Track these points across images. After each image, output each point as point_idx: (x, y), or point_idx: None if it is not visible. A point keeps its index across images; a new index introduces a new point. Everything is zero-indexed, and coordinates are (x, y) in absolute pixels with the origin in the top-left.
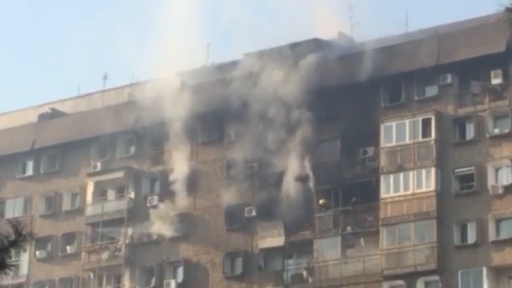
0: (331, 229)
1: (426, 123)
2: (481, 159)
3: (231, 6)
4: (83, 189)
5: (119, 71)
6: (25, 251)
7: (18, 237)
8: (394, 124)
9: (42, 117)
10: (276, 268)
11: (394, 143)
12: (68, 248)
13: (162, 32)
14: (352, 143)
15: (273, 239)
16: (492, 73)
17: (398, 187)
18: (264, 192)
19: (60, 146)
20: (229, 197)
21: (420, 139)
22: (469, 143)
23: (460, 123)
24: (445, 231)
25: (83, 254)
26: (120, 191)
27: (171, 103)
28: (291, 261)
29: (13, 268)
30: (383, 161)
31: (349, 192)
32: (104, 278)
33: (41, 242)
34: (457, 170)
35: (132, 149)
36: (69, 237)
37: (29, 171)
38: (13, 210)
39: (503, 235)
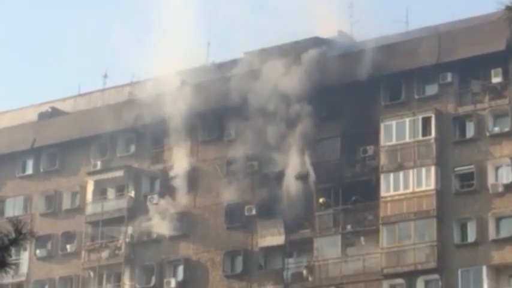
0: (331, 228)
1: (426, 121)
2: (481, 157)
3: (231, 5)
4: (83, 188)
5: (119, 69)
6: (25, 249)
7: (19, 236)
8: (394, 123)
9: (42, 116)
10: (276, 267)
11: (394, 142)
12: (68, 246)
13: (162, 30)
14: (352, 142)
15: (273, 237)
16: (492, 72)
17: (399, 186)
18: (264, 190)
19: (60, 144)
20: (229, 195)
21: (420, 138)
22: (469, 141)
23: (460, 121)
24: (445, 229)
25: (83, 252)
26: (120, 190)
27: (171, 102)
28: (291, 260)
29: (13, 267)
30: (383, 159)
31: (349, 191)
32: (104, 276)
33: (41, 241)
34: (457, 169)
35: (132, 148)
36: (69, 236)
37: (29, 170)
38: (13, 208)
39: (503, 234)
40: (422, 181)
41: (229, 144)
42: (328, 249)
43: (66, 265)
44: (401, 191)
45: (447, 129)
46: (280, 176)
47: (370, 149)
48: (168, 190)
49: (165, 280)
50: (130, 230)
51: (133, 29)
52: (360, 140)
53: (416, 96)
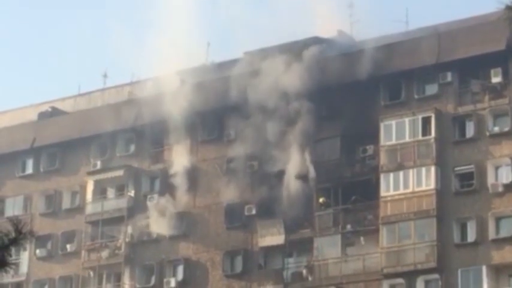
0: (331, 227)
1: (426, 121)
2: (480, 157)
3: (231, 5)
4: (83, 188)
5: (119, 69)
6: (25, 249)
7: (19, 236)
8: (394, 122)
9: (42, 115)
10: (276, 266)
11: (394, 142)
12: (67, 246)
13: (162, 30)
14: (352, 142)
15: (273, 237)
16: (492, 71)
17: (398, 185)
18: (263, 190)
19: (60, 144)
20: (229, 195)
21: (420, 137)
22: (469, 141)
23: (460, 121)
24: (445, 229)
25: (83, 252)
26: (120, 190)
27: (171, 101)
28: (291, 260)
29: (13, 266)
30: (383, 159)
31: (349, 191)
32: (104, 276)
33: (41, 241)
34: (456, 169)
35: (132, 148)
36: (69, 236)
37: (29, 170)
38: (13, 208)
39: (503, 233)
40: (422, 181)
41: (229, 144)
42: (328, 249)
43: (66, 265)
44: (401, 190)
45: (447, 129)
46: (280, 175)
47: (370, 149)
48: (167, 189)
49: (164, 280)
50: (130, 229)
51: (133, 29)
52: (360, 140)
53: (416, 96)
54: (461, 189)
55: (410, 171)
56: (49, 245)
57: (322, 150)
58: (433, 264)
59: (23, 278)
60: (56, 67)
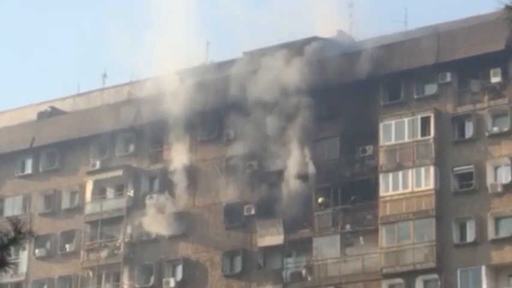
0: (330, 227)
1: (425, 121)
2: (480, 157)
3: (230, 5)
4: (82, 188)
5: (118, 69)
6: (24, 249)
7: (18, 235)
8: (393, 122)
9: (42, 115)
10: (275, 266)
11: (393, 142)
12: (67, 246)
13: (161, 30)
14: (351, 142)
15: (272, 237)
16: (491, 71)
17: (398, 185)
18: (263, 190)
19: (59, 144)
20: (228, 195)
21: (419, 137)
22: (468, 141)
23: (459, 121)
24: (444, 229)
25: (82, 252)
26: (119, 189)
27: (170, 101)
28: (290, 260)
29: (12, 266)
30: (382, 159)
31: (348, 191)
32: (103, 276)
33: (40, 240)
34: (456, 169)
35: (131, 147)
36: (68, 236)
37: (28, 170)
38: (12, 208)
39: (503, 233)
40: (421, 181)
41: (229, 144)
42: (327, 249)
43: (65, 265)
44: (401, 190)
45: (446, 129)
46: (279, 175)
47: (369, 149)
48: (167, 189)
49: (164, 280)
50: (129, 229)
51: (132, 29)
52: (359, 140)
53: (415, 96)
54: (460, 189)
55: (410, 171)
56: (48, 245)
57: (321, 150)
58: (432, 264)
59: (22, 278)
60: (56, 67)
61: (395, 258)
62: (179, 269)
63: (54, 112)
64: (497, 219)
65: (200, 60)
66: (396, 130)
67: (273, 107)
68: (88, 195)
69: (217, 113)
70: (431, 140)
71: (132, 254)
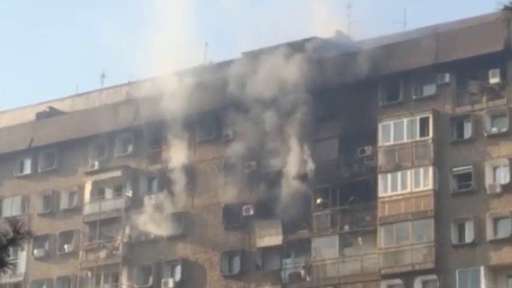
0: (329, 228)
1: (424, 122)
2: (478, 158)
3: (229, 5)
4: (81, 188)
5: (116, 69)
6: (23, 249)
7: (17, 236)
8: (392, 123)
9: (40, 115)
10: (274, 267)
11: (392, 142)
12: (65, 246)
13: (160, 30)
14: (350, 142)
15: (270, 237)
16: (490, 72)
17: (396, 186)
18: (261, 190)
19: (58, 144)
20: (227, 195)
21: (418, 138)
22: (467, 142)
23: (457, 122)
24: (443, 230)
25: (81, 252)
26: (118, 190)
27: (169, 102)
28: (288, 260)
29: (11, 266)
30: (381, 159)
31: (347, 191)
32: (102, 276)
33: (38, 241)
34: (454, 169)
35: (130, 148)
36: (67, 236)
37: (27, 170)
38: (11, 208)
39: (501, 234)
40: (420, 181)
41: (227, 144)
42: (326, 249)
43: (63, 265)
44: (399, 191)
45: (445, 129)
46: (278, 176)
47: (368, 149)
48: (165, 190)
49: (162, 280)
50: (128, 230)
51: (131, 29)
52: (358, 140)
53: (414, 97)
54: (459, 189)
55: (408, 171)
56: (47, 245)
57: (320, 150)
58: (430, 265)
59: (20, 278)
60: (54, 67)
61: (394, 259)
62: (178, 270)
63: (52, 112)
64: (496, 220)
65: (199, 61)
66: (395, 131)
67: (271, 103)
68: (87, 195)
69: (216, 113)
70: (430, 141)
71: (130, 254)
